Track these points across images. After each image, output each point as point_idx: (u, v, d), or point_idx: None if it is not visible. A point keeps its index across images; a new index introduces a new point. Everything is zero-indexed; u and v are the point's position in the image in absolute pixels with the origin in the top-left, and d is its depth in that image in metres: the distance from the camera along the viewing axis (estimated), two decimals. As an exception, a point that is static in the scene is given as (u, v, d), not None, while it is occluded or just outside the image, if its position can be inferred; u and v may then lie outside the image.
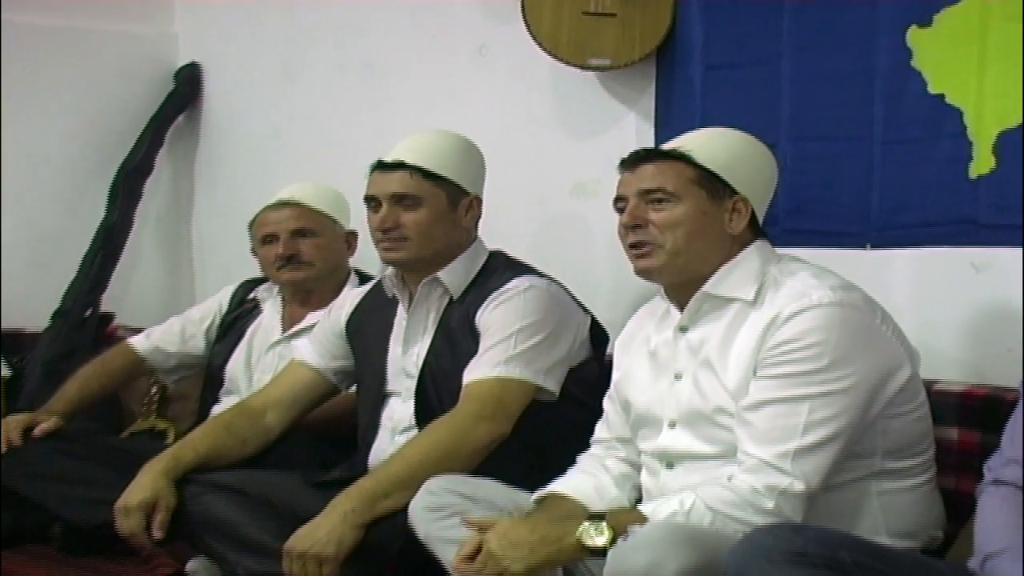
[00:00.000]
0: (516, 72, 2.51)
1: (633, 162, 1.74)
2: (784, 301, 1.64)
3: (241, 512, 1.94)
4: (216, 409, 2.40)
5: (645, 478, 1.77)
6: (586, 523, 1.58)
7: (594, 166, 2.40)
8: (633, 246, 1.72)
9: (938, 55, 2.00)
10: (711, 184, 1.71)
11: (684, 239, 1.68)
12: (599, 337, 2.07)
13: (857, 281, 1.71)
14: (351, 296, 2.23)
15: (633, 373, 1.80)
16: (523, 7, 2.34)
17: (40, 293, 2.89)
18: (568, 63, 2.33)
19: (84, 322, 2.88)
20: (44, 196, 2.99)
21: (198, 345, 2.53)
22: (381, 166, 2.04)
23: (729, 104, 2.21)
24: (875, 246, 2.08)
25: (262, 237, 2.42)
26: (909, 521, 1.68)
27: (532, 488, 1.81)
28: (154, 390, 2.61)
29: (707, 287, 1.71)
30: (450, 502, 1.75)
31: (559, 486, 1.78)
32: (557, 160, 2.48)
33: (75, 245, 2.94)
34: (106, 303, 2.96)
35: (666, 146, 1.76)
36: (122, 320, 2.95)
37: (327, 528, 1.81)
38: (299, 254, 2.38)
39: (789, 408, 1.59)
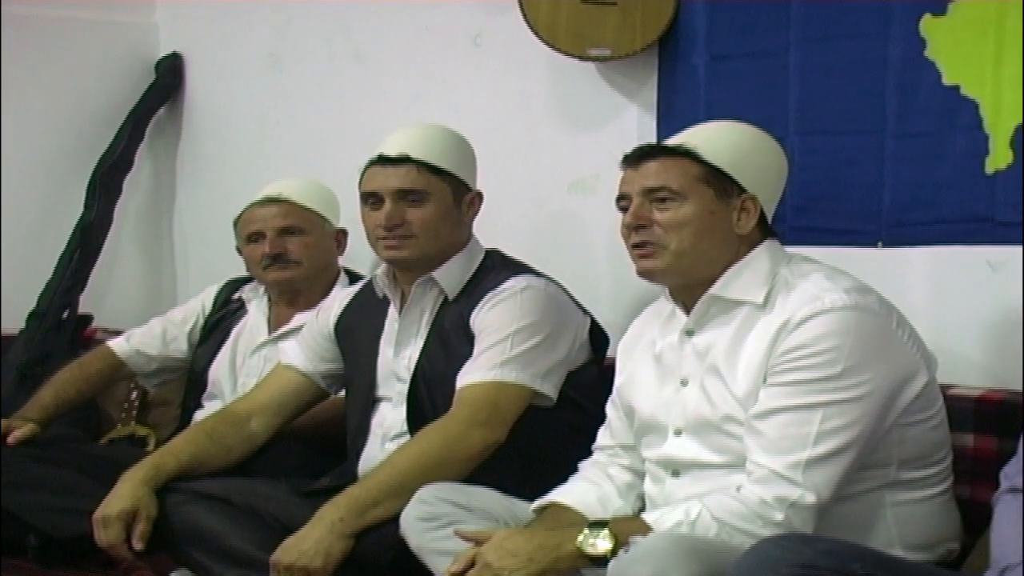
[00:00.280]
0: (512, 63, 2.48)
1: (636, 159, 1.70)
2: (796, 305, 1.61)
3: (225, 522, 1.92)
4: (199, 415, 2.37)
5: (649, 486, 1.74)
6: (586, 531, 1.55)
7: (593, 161, 2.38)
8: (636, 246, 1.68)
9: (953, 45, 1.97)
10: (718, 182, 1.67)
11: (690, 240, 1.65)
12: (599, 339, 2.05)
13: (868, 281, 1.69)
14: (340, 297, 2.21)
15: (637, 378, 1.76)
16: (519, -5, 2.32)
17: (14, 294, 2.85)
18: (566, 54, 2.30)
19: (61, 324, 2.85)
20: (19, 192, 2.95)
21: (180, 348, 2.51)
22: (383, 160, 1.99)
23: (734, 96, 2.18)
24: (887, 244, 2.06)
25: (248, 235, 2.40)
26: (924, 533, 1.65)
27: (529, 497, 1.78)
28: (134, 395, 2.59)
29: (715, 289, 1.67)
30: (443, 511, 1.72)
31: (560, 495, 1.75)
32: (555, 155, 2.46)
33: (51, 244, 2.91)
34: (84, 304, 2.92)
35: (671, 141, 1.73)
36: (101, 322, 2.92)
37: (315, 539, 1.79)
38: (286, 253, 2.35)
39: (801, 417, 1.56)
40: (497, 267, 2.03)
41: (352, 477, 1.97)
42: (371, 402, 2.05)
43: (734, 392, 1.62)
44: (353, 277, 2.41)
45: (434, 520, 1.71)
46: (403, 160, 1.98)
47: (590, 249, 2.40)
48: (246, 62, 2.96)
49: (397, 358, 2.02)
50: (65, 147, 3.00)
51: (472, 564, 1.58)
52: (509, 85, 2.50)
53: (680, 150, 1.67)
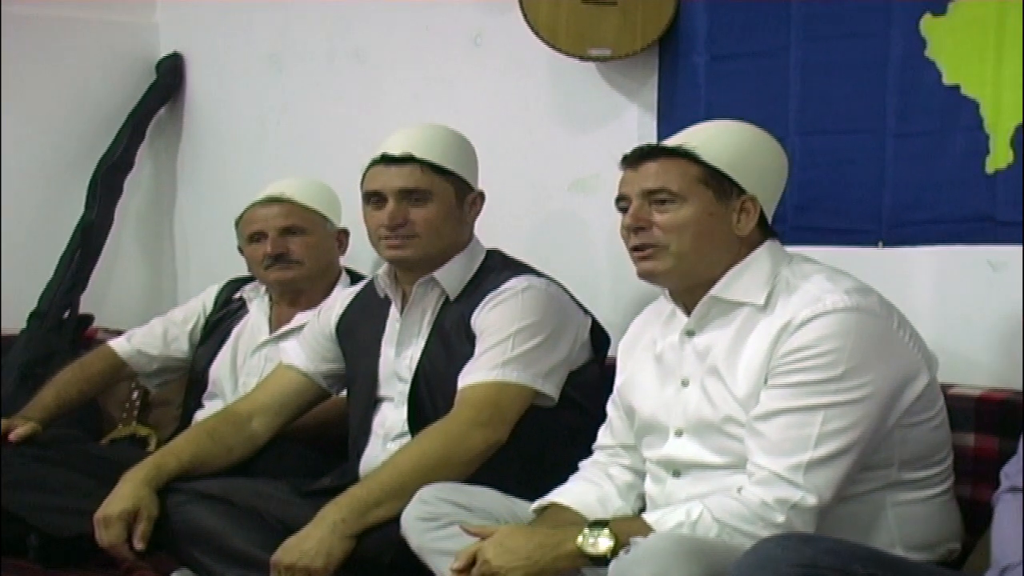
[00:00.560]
0: (513, 63, 2.48)
1: (635, 159, 1.70)
2: (797, 306, 1.60)
3: (226, 522, 1.91)
4: (200, 415, 2.37)
5: (650, 486, 1.74)
6: (587, 530, 1.55)
7: (594, 161, 2.37)
8: (636, 248, 1.68)
9: (953, 44, 1.96)
10: (718, 183, 1.66)
11: (690, 242, 1.64)
12: (600, 339, 2.04)
13: (868, 281, 1.68)
14: (342, 297, 2.20)
15: (638, 378, 1.76)
16: (520, -5, 2.31)
17: (15, 294, 2.85)
18: (567, 54, 2.30)
19: (62, 324, 2.85)
20: (19, 192, 2.95)
21: (181, 348, 2.50)
22: (386, 160, 1.98)
23: (735, 96, 2.17)
24: (887, 244, 2.05)
25: (249, 235, 2.39)
26: (925, 533, 1.65)
27: (530, 497, 1.78)
28: (135, 395, 2.59)
29: (715, 291, 1.66)
30: (444, 512, 1.72)
31: (560, 495, 1.75)
32: (555, 155, 2.46)
33: (52, 244, 2.90)
34: (85, 304, 2.92)
35: (670, 142, 1.72)
36: (102, 322, 2.92)
37: (316, 539, 1.78)
38: (288, 253, 2.35)
39: (802, 418, 1.55)
40: (498, 267, 2.02)
41: (353, 477, 1.97)
42: (372, 402, 2.04)
43: (734, 393, 1.61)
44: (354, 277, 2.40)
45: (435, 520, 1.70)
46: (407, 159, 1.97)
47: (591, 249, 2.39)
48: (246, 62, 2.95)
49: (399, 358, 2.02)
50: (65, 147, 3.00)
51: (474, 561, 1.58)
52: (509, 85, 2.49)
53: (679, 151, 1.67)
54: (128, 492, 1.93)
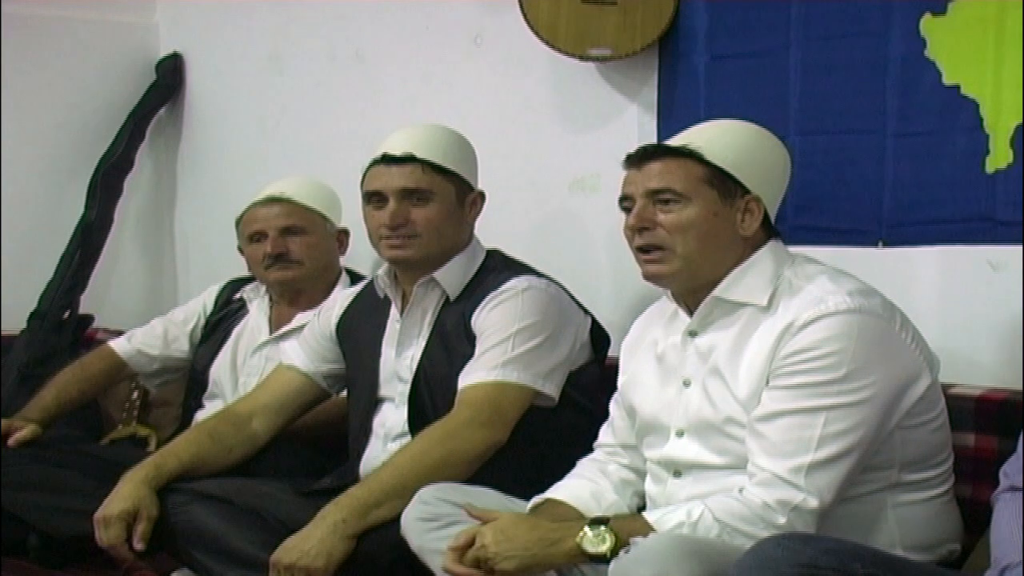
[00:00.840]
0: (512, 63, 2.47)
1: (639, 159, 1.69)
2: (799, 307, 1.60)
3: (226, 522, 1.91)
4: (200, 415, 2.36)
5: (650, 486, 1.74)
6: (587, 529, 1.54)
7: (594, 161, 2.37)
8: (642, 250, 1.67)
9: (953, 44, 1.96)
10: (722, 183, 1.65)
11: (695, 243, 1.63)
12: (600, 339, 2.04)
13: (868, 281, 1.68)
14: (342, 297, 2.20)
15: (640, 378, 1.76)
16: (519, -5, 2.31)
17: (15, 294, 2.85)
18: (567, 53, 2.29)
19: (62, 324, 2.85)
20: (20, 193, 2.94)
21: (182, 348, 2.50)
22: (387, 160, 1.98)
23: (735, 96, 2.17)
24: (887, 244, 2.05)
25: (249, 235, 2.39)
26: (926, 534, 1.65)
27: (530, 497, 1.78)
28: (135, 395, 2.58)
29: (718, 291, 1.66)
30: (444, 512, 1.71)
31: (555, 492, 1.75)
32: (555, 154, 2.45)
33: (52, 244, 2.90)
34: (85, 304, 2.92)
35: (674, 141, 1.71)
36: (102, 322, 2.92)
37: (316, 539, 1.78)
38: (288, 253, 2.34)
39: (803, 420, 1.55)
40: (498, 267, 2.02)
41: (354, 478, 1.96)
42: (373, 403, 2.04)
43: (736, 394, 1.61)
44: (354, 277, 2.40)
45: (435, 520, 1.70)
46: (408, 159, 1.97)
47: (590, 249, 2.39)
48: (246, 62, 2.95)
49: (399, 359, 2.01)
50: (65, 147, 2.99)
51: (473, 542, 1.57)
52: (509, 85, 2.49)
53: (683, 151, 1.66)
54: (128, 492, 1.93)
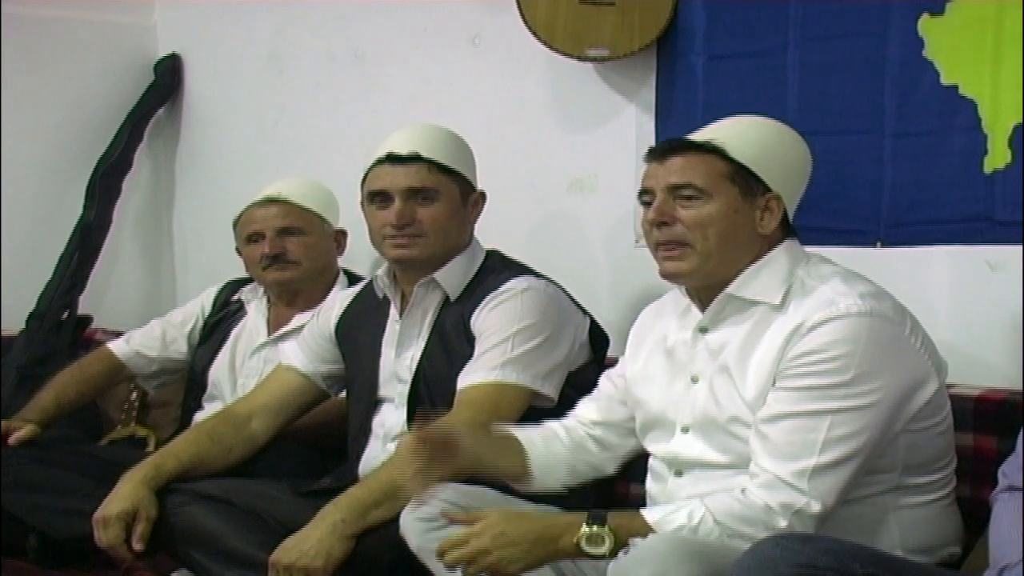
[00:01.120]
0: (511, 63, 2.47)
1: (661, 153, 1.67)
2: (810, 308, 1.58)
3: (225, 523, 1.91)
4: (199, 416, 2.36)
5: (650, 484, 1.73)
6: (585, 528, 1.54)
7: (592, 161, 2.37)
8: (660, 245, 1.65)
9: (951, 44, 1.96)
10: (744, 180, 1.63)
11: (715, 240, 1.62)
12: (599, 340, 2.04)
13: (867, 281, 1.67)
14: (341, 297, 2.20)
15: (648, 372, 1.74)
16: (518, -5, 2.30)
17: (14, 295, 2.84)
18: (565, 54, 2.29)
19: (60, 325, 2.84)
20: (18, 194, 2.94)
21: (180, 349, 2.49)
22: (392, 159, 1.98)
23: (733, 96, 2.16)
24: (885, 244, 2.05)
25: (247, 236, 2.38)
26: (927, 537, 1.64)
27: (529, 498, 1.77)
28: (134, 396, 2.58)
29: (732, 289, 1.64)
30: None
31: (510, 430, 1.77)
32: (553, 155, 2.45)
33: (51, 245, 2.90)
34: (83, 305, 2.91)
35: (697, 136, 1.68)
36: (100, 323, 2.91)
37: (315, 539, 1.78)
38: (286, 253, 2.34)
39: (808, 423, 1.54)
40: (498, 268, 2.02)
41: (353, 478, 1.96)
42: (373, 403, 2.04)
43: (743, 394, 1.60)
44: (352, 278, 2.39)
45: (434, 520, 1.69)
46: (413, 159, 1.97)
47: (589, 249, 2.39)
48: (245, 63, 2.95)
49: (399, 359, 2.01)
50: (64, 148, 2.99)
51: (463, 543, 1.56)
52: (508, 85, 2.49)
53: (707, 146, 1.64)
54: (127, 493, 1.93)
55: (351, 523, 1.78)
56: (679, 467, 1.68)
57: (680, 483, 1.67)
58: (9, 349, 2.78)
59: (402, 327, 2.02)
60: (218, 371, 2.40)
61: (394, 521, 1.75)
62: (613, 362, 1.86)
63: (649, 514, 1.57)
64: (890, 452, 1.59)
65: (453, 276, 1.99)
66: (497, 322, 1.92)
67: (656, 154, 1.67)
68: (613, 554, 1.50)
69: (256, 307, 2.43)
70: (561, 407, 1.94)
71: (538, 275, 2.02)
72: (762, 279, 1.63)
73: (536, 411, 1.92)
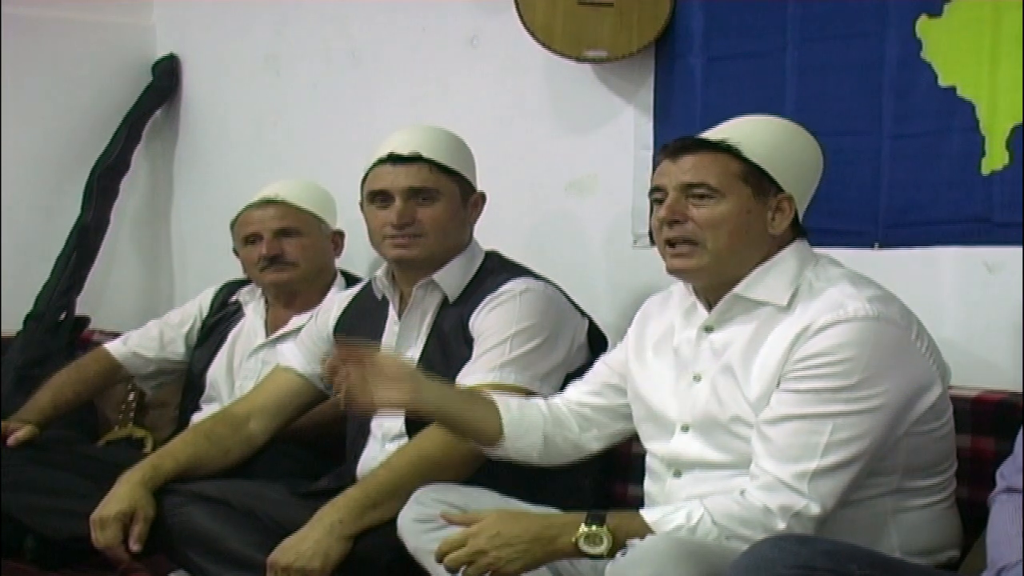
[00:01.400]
0: (509, 65, 2.47)
1: (675, 151, 1.66)
2: (817, 311, 1.58)
3: (223, 524, 1.90)
4: (196, 417, 2.35)
5: (648, 484, 1.73)
6: (584, 527, 1.53)
7: (590, 162, 2.37)
8: (669, 243, 1.64)
9: (949, 46, 1.96)
10: (757, 180, 1.63)
11: (726, 239, 1.61)
12: (597, 341, 2.03)
13: (866, 283, 1.66)
14: (338, 299, 2.20)
15: (651, 367, 1.73)
16: (516, -3, 2.31)
17: (12, 296, 2.84)
18: (563, 55, 2.29)
19: (58, 326, 2.84)
20: (16, 195, 2.94)
21: (178, 350, 2.49)
22: (393, 159, 1.98)
23: (731, 97, 2.16)
24: (883, 245, 2.05)
25: (245, 237, 2.38)
26: (926, 540, 1.64)
27: (526, 498, 1.77)
28: (131, 397, 2.58)
29: (739, 289, 1.64)
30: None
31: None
32: (551, 156, 2.45)
33: (49, 246, 2.90)
34: (81, 306, 2.91)
35: (711, 135, 1.67)
36: (98, 324, 2.91)
37: (313, 540, 1.78)
38: (283, 254, 2.34)
39: (811, 426, 1.53)
40: (497, 269, 2.02)
41: (351, 479, 1.96)
42: (371, 404, 2.05)
43: (746, 394, 1.60)
44: (350, 279, 2.39)
45: (431, 521, 1.69)
46: (415, 159, 1.97)
47: (587, 250, 2.39)
48: (243, 63, 2.95)
49: (398, 360, 2.02)
50: (62, 149, 2.99)
51: (461, 544, 1.56)
52: (506, 86, 2.49)
53: (721, 146, 1.63)
54: (124, 493, 1.93)
55: (349, 524, 1.78)
56: (678, 467, 1.67)
57: (679, 483, 1.66)
58: (7, 350, 2.78)
59: (401, 328, 2.02)
60: (216, 372, 2.40)
61: (392, 522, 1.75)
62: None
63: (648, 514, 1.56)
64: (891, 455, 1.59)
65: (452, 277, 1.99)
66: (495, 323, 1.92)
67: (669, 152, 1.66)
68: (611, 554, 1.50)
69: (254, 308, 2.43)
70: (559, 408, 1.95)
71: (537, 276, 2.02)
72: (770, 280, 1.62)
73: (534, 412, 1.93)
